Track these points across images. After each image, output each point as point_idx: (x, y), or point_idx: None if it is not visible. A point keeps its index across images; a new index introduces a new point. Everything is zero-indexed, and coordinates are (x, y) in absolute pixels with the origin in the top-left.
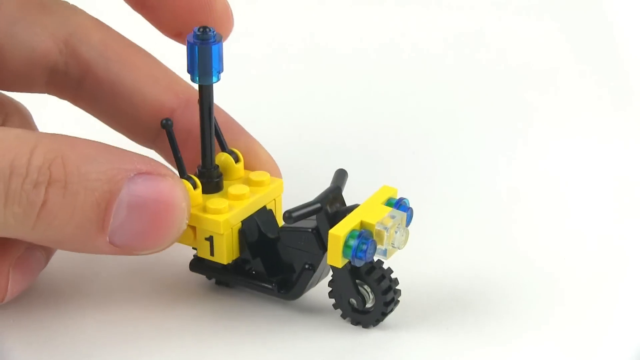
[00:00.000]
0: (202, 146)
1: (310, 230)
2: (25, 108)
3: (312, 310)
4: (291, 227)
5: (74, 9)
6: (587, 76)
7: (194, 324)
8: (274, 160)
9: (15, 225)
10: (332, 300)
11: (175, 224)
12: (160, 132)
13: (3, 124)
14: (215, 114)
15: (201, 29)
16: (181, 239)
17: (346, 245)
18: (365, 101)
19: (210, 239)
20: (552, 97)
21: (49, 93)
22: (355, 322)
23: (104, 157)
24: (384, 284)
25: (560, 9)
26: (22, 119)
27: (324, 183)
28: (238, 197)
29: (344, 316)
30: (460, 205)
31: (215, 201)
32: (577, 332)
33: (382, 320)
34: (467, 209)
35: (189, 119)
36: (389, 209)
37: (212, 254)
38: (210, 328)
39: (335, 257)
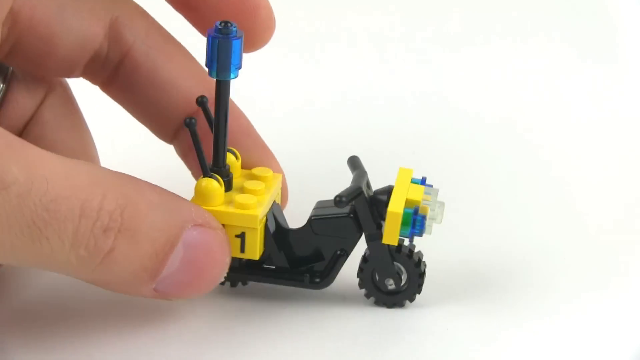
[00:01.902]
0: (215, 144)
1: (347, 215)
2: (65, 81)
3: (321, 300)
4: (323, 215)
5: None
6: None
7: (197, 325)
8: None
9: (76, 266)
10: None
11: (218, 278)
12: (183, 128)
13: (45, 99)
14: (235, 116)
15: (223, 23)
16: None
17: (403, 222)
18: (365, 101)
19: (242, 236)
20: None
21: (84, 77)
22: (391, 304)
23: (166, 205)
24: (415, 256)
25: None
26: (64, 93)
27: (323, 182)
28: (258, 193)
29: (377, 302)
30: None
31: (242, 197)
32: (581, 328)
33: (419, 293)
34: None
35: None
36: (422, 186)
37: (242, 250)
38: (214, 330)
39: (392, 235)
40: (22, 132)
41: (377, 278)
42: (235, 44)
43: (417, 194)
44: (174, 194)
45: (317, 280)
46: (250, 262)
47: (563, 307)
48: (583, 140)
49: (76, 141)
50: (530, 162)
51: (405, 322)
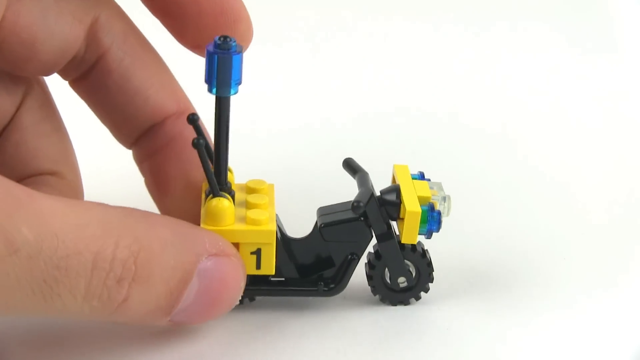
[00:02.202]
0: (216, 162)
1: (359, 218)
2: (43, 80)
3: (321, 300)
4: (333, 222)
5: None
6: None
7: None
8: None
9: (89, 315)
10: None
11: (233, 303)
12: (143, 135)
13: (24, 101)
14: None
15: (222, 38)
16: None
17: (421, 220)
18: (364, 100)
19: (257, 252)
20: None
21: (57, 73)
22: (397, 302)
23: (179, 239)
24: (419, 247)
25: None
26: (43, 94)
27: (317, 184)
28: (264, 207)
29: (383, 300)
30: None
31: (254, 212)
32: (579, 327)
33: (432, 282)
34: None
35: (178, 129)
36: (425, 182)
37: (258, 267)
38: (214, 330)
39: (411, 234)
40: (0, 137)
41: (389, 277)
42: (236, 59)
43: (424, 190)
44: (186, 223)
45: (332, 286)
46: (256, 277)
47: (565, 306)
48: (584, 137)
49: (57, 148)
50: (531, 161)
51: (406, 321)
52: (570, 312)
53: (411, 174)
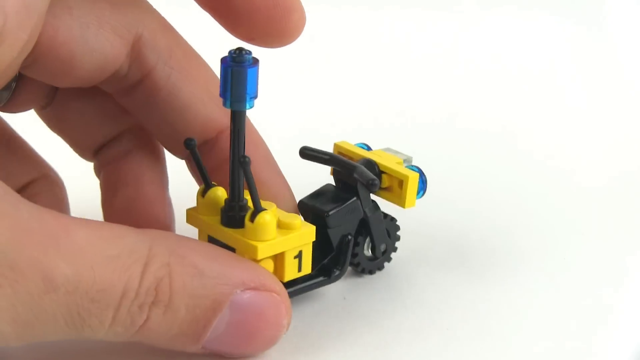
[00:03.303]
0: (231, 178)
1: (355, 198)
2: (56, 174)
3: (321, 300)
4: (334, 207)
5: (143, 5)
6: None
7: None
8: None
9: (112, 338)
10: None
11: (275, 339)
12: (200, 148)
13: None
14: (253, 145)
15: (237, 51)
16: None
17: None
18: (364, 100)
19: (299, 255)
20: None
21: (101, 86)
22: (371, 271)
23: (212, 268)
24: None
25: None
26: (51, 186)
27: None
28: (275, 210)
29: (364, 271)
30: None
31: (286, 217)
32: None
33: (395, 251)
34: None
35: None
36: (380, 150)
37: (300, 269)
38: None
39: (412, 198)
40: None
41: (372, 247)
42: (250, 72)
43: (389, 157)
44: (226, 252)
45: (338, 270)
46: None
47: (566, 307)
48: (577, 120)
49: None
50: (514, 144)
51: (407, 321)
52: (572, 312)
53: (361, 145)
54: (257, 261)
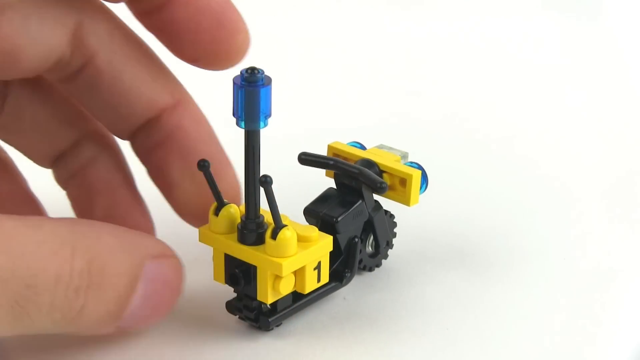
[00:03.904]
0: (246, 195)
1: (360, 202)
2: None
3: (320, 300)
4: (343, 212)
5: None
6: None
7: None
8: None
9: (51, 328)
10: None
11: (174, 304)
12: (140, 130)
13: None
14: (196, 123)
15: (249, 70)
16: (284, 291)
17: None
18: (363, 99)
19: (318, 266)
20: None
21: (44, 75)
22: (370, 268)
23: (124, 246)
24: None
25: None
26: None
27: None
28: (288, 221)
29: (364, 268)
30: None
31: (302, 229)
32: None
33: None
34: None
35: (176, 121)
36: (376, 148)
37: (318, 280)
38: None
39: (415, 195)
40: None
41: (375, 245)
42: (264, 92)
43: (388, 155)
44: (128, 229)
45: (349, 273)
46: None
47: (566, 307)
48: (575, 123)
49: None
50: (514, 143)
51: (407, 321)
52: (572, 312)
53: (355, 144)
54: (281, 278)
